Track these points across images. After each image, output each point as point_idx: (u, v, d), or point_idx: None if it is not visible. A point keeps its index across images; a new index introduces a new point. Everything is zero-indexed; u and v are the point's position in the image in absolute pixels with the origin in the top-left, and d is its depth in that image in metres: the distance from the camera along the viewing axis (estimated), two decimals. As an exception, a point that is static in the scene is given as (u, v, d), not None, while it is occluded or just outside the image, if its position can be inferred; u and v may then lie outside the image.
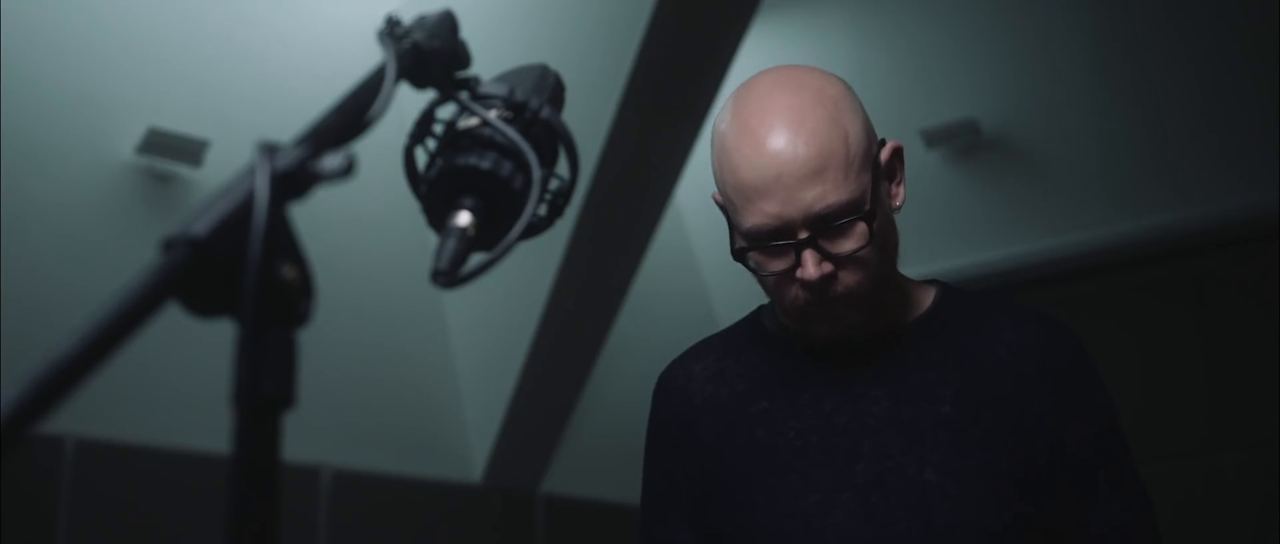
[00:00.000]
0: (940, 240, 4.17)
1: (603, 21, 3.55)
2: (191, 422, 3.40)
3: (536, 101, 1.11)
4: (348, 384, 3.75)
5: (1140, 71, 4.15)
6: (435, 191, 1.07)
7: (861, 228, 1.53)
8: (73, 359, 0.73)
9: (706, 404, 1.69)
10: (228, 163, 3.53)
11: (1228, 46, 4.01)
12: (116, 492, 3.32)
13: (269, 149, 0.84)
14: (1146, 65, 4.14)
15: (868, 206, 1.53)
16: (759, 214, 1.53)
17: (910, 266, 1.71)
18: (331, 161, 0.84)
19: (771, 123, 1.53)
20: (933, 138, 4.29)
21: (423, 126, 1.12)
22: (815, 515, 1.57)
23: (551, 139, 1.12)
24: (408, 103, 1.27)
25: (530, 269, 3.70)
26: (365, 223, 3.85)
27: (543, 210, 1.11)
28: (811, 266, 1.52)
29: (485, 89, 1.09)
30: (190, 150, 3.55)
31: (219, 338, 1.14)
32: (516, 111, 1.09)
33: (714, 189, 1.63)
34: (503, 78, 1.15)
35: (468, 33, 1.11)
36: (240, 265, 0.80)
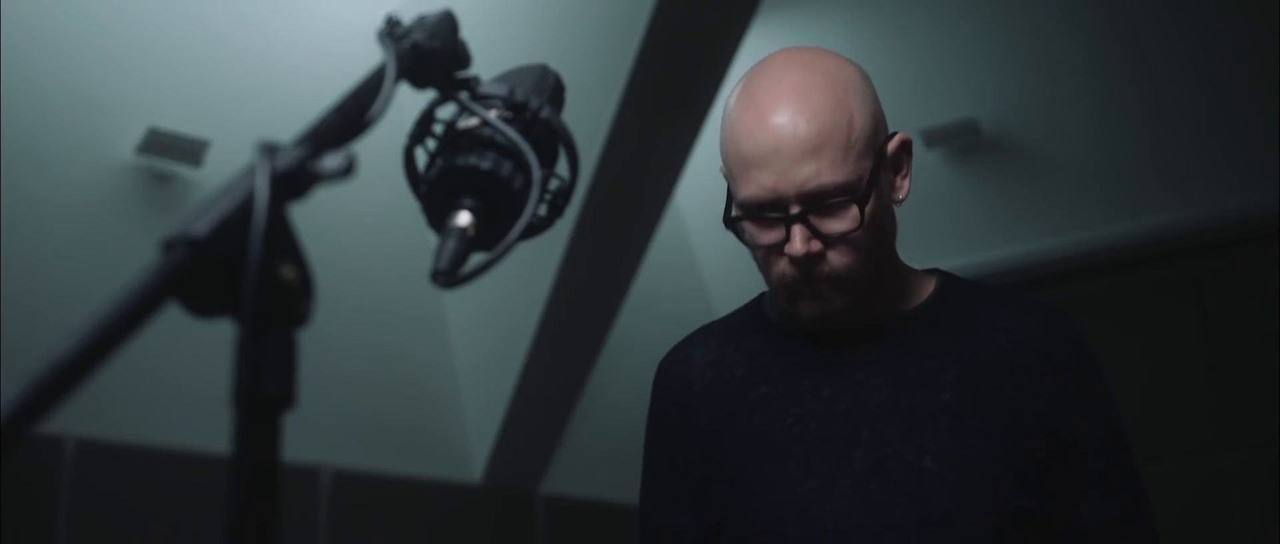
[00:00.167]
0: (940, 240, 4.17)
1: (603, 21, 3.55)
2: (191, 422, 3.40)
3: (536, 101, 1.11)
4: (348, 384, 3.75)
5: (1140, 71, 4.15)
6: (435, 191, 1.07)
7: (853, 211, 1.54)
8: (73, 359, 0.73)
9: (707, 390, 1.69)
10: (228, 163, 3.53)
11: (1228, 47, 4.01)
12: (116, 492, 3.32)
13: (269, 149, 0.84)
14: (1146, 65, 4.14)
15: (862, 191, 1.53)
16: (754, 185, 1.55)
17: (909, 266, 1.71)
18: (331, 161, 0.84)
19: (777, 98, 1.56)
20: (933, 138, 4.29)
21: (423, 126, 1.12)
22: (814, 502, 1.57)
23: (551, 139, 1.12)
24: (408, 103, 1.27)
25: (530, 269, 3.70)
26: (365, 223, 3.85)
27: (543, 210, 1.11)
28: (799, 242, 1.54)
29: (485, 89, 1.10)
30: (190, 150, 3.55)
31: (219, 338, 1.14)
32: (516, 111, 1.09)
33: (721, 164, 1.64)
34: (503, 78, 1.15)
35: (468, 33, 1.11)
36: (240, 265, 0.80)
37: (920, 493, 1.54)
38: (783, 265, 1.57)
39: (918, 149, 4.37)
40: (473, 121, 1.08)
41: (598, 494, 4.15)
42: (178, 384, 3.39)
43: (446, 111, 1.11)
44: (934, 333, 1.63)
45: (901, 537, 1.54)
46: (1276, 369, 3.89)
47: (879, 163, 1.57)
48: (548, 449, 4.06)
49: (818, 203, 1.53)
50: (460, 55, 1.09)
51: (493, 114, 1.08)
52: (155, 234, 0.99)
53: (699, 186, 4.36)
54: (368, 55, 1.20)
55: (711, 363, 1.71)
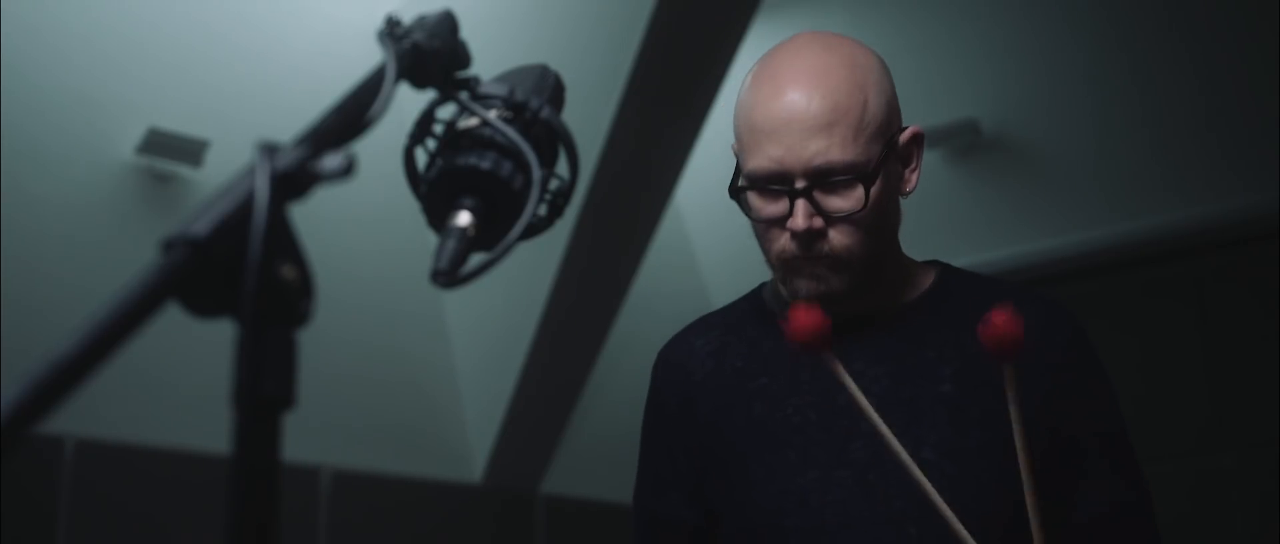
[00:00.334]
0: (940, 240, 4.16)
1: (603, 21, 3.55)
2: (191, 422, 3.40)
3: (536, 101, 1.11)
4: (348, 384, 3.75)
5: (1140, 71, 4.14)
6: (435, 191, 1.07)
7: (858, 191, 1.54)
8: (73, 359, 0.73)
9: (707, 380, 1.69)
10: (228, 163, 3.53)
11: (1228, 46, 4.01)
12: (116, 492, 3.32)
13: (269, 149, 0.84)
14: (1146, 65, 4.13)
15: (869, 172, 1.54)
16: (763, 156, 1.56)
17: (909, 266, 1.71)
18: (331, 161, 0.84)
19: (795, 73, 1.57)
20: (933, 138, 4.29)
21: (423, 126, 1.12)
22: (813, 493, 1.57)
23: (551, 139, 1.12)
24: (408, 103, 1.27)
25: (530, 269, 3.70)
26: (365, 223, 3.85)
27: (543, 210, 1.11)
28: (801, 217, 1.54)
29: (485, 89, 1.10)
30: (190, 150, 3.55)
31: (219, 338, 1.13)
32: (516, 111, 1.09)
33: (733, 141, 1.65)
34: (503, 78, 1.15)
35: (468, 33, 1.11)
36: (240, 265, 0.80)
37: (919, 484, 1.55)
38: (783, 240, 1.57)
39: (918, 149, 4.38)
40: (473, 121, 1.08)
41: (598, 494, 4.15)
42: (178, 384, 3.39)
43: (446, 111, 1.11)
44: (934, 324, 1.63)
45: (900, 528, 1.54)
46: (1276, 369, 3.89)
47: (889, 150, 1.58)
48: (548, 449, 4.06)
49: (824, 180, 1.54)
50: (460, 55, 1.09)
51: (493, 114, 1.08)
52: (155, 234, 0.99)
53: (699, 186, 4.36)
54: (368, 55, 1.20)
55: (712, 352, 1.71)
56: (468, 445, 4.00)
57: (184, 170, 3.59)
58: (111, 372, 0.79)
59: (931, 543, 1.54)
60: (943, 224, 4.19)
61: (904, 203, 1.67)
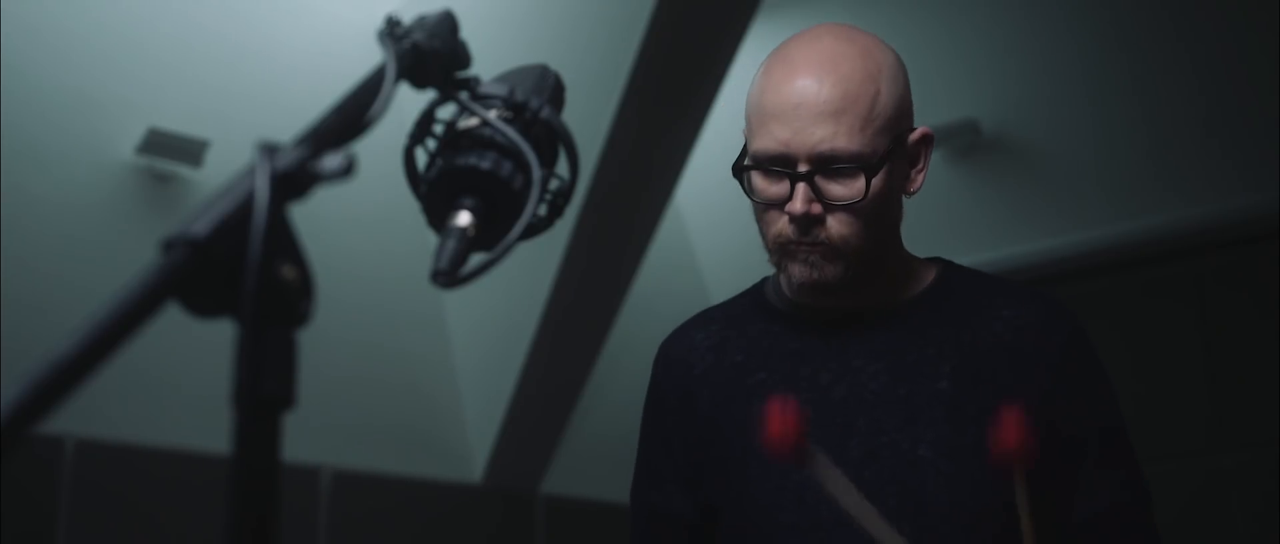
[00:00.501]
0: (940, 240, 4.14)
1: (603, 21, 3.55)
2: (191, 422, 3.40)
3: (536, 102, 1.11)
4: (348, 384, 3.75)
5: (1140, 71, 4.14)
6: (435, 192, 1.07)
7: (860, 181, 1.55)
8: (73, 359, 0.73)
9: (706, 374, 1.69)
10: (228, 163, 3.53)
11: (1228, 46, 4.01)
12: (116, 492, 3.32)
13: (269, 149, 0.84)
14: (1146, 65, 4.13)
15: (873, 163, 1.54)
16: (769, 137, 1.56)
17: (910, 266, 1.71)
18: (331, 162, 0.84)
19: (809, 58, 1.58)
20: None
21: (423, 127, 1.12)
22: (809, 489, 1.57)
23: (551, 139, 1.12)
24: (408, 103, 1.27)
25: (530, 269, 3.70)
26: (365, 223, 3.84)
27: (543, 210, 1.11)
28: (800, 201, 1.55)
29: (485, 89, 1.10)
30: (190, 150, 3.55)
31: (219, 338, 1.13)
32: (516, 112, 1.09)
33: (743, 125, 1.65)
34: (503, 78, 1.15)
35: (468, 33, 1.11)
36: (240, 265, 0.80)
37: (914, 482, 1.55)
38: (781, 223, 1.58)
39: (918, 149, 4.38)
40: (473, 121, 1.08)
41: (598, 494, 4.15)
42: (178, 384, 3.39)
43: (446, 111, 1.11)
44: (934, 320, 1.63)
45: (895, 526, 1.54)
46: (1276, 369, 3.89)
47: (897, 146, 1.58)
48: (548, 449, 4.06)
49: (826, 166, 1.54)
50: (460, 55, 1.09)
51: (493, 114, 1.08)
52: (155, 234, 0.99)
53: (699, 186, 4.36)
54: (368, 55, 1.20)
55: (712, 347, 1.71)
56: (468, 445, 4.00)
57: (184, 170, 3.58)
58: (111, 372, 0.79)
59: (927, 540, 1.54)
60: (943, 224, 4.18)
61: (905, 203, 1.67)
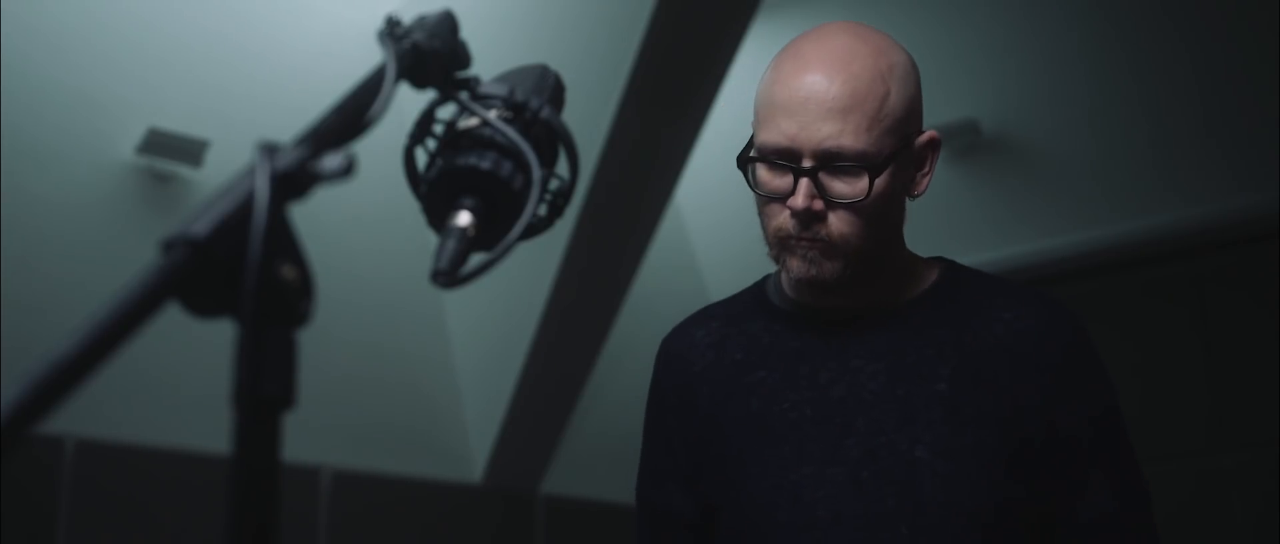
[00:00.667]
0: (940, 240, 4.14)
1: (603, 21, 3.55)
2: (191, 422, 3.40)
3: (536, 101, 1.11)
4: (348, 384, 3.75)
5: (1140, 71, 4.14)
6: (435, 191, 1.07)
7: (863, 180, 1.55)
8: (73, 359, 0.73)
9: (706, 372, 1.69)
10: (228, 163, 3.53)
11: (1228, 46, 4.01)
12: (116, 492, 3.32)
13: (269, 149, 0.84)
14: (1146, 65, 4.13)
15: (877, 163, 1.54)
16: (775, 130, 1.56)
17: (910, 266, 1.70)
18: (331, 162, 0.84)
19: (821, 54, 1.58)
20: (933, 138, 4.29)
21: (423, 127, 1.12)
22: (806, 488, 1.57)
23: (551, 139, 1.12)
24: (408, 103, 1.27)
25: (530, 269, 3.70)
26: (365, 223, 3.85)
27: (543, 210, 1.11)
28: (802, 196, 1.55)
29: (485, 89, 1.10)
30: (190, 150, 3.55)
31: (219, 338, 1.14)
32: (516, 112, 1.09)
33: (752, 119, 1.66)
34: (503, 78, 1.15)
35: (468, 33, 1.11)
36: (240, 265, 0.80)
37: (911, 483, 1.55)
38: (782, 217, 1.58)
39: (918, 149, 4.37)
40: (473, 121, 1.08)
41: (598, 494, 4.15)
42: (178, 384, 3.39)
43: (446, 111, 1.11)
44: (934, 321, 1.63)
45: (891, 526, 1.54)
46: (1276, 369, 3.89)
47: (903, 148, 1.58)
48: (548, 449, 4.06)
49: (831, 163, 1.54)
50: (460, 55, 1.09)
51: (493, 114, 1.08)
52: (155, 234, 0.99)
53: (699, 186, 4.36)
54: (368, 55, 1.20)
55: (713, 344, 1.71)
56: (468, 445, 4.00)
57: (184, 170, 3.58)
58: (111, 372, 0.79)
59: (923, 541, 1.54)
60: (943, 224, 4.19)
61: (907, 204, 1.67)
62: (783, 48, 1.64)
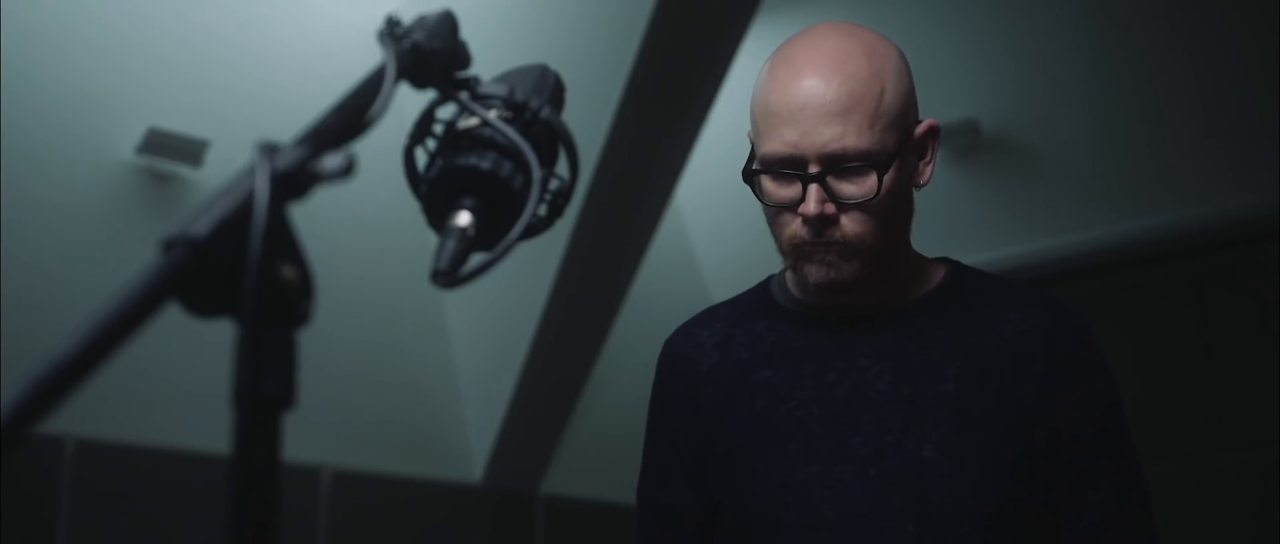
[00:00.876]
0: (940, 240, 4.14)
1: (603, 21, 3.55)
2: (191, 422, 3.40)
3: (536, 102, 1.11)
4: (348, 384, 3.75)
5: (1140, 72, 4.14)
6: (435, 191, 1.07)
7: (872, 178, 1.55)
8: (73, 359, 0.73)
9: (711, 371, 1.69)
10: (228, 163, 3.53)
11: (1227, 46, 4.01)
12: (116, 492, 3.32)
13: (269, 149, 0.84)
14: (1146, 65, 4.14)
15: (883, 160, 1.55)
16: (778, 140, 1.56)
17: (910, 266, 1.70)
18: (331, 162, 0.84)
19: (813, 59, 1.58)
20: (933, 138, 4.29)
21: (423, 127, 1.12)
22: (812, 487, 1.57)
23: (551, 139, 1.12)
24: (408, 103, 1.27)
25: (530, 269, 3.70)
26: (365, 223, 3.85)
27: (543, 210, 1.11)
28: (813, 202, 1.55)
29: (485, 89, 1.10)
30: (190, 150, 3.55)
31: (219, 338, 1.14)
32: (516, 112, 1.09)
33: (749, 128, 1.65)
34: (503, 78, 1.15)
35: (468, 33, 1.11)
36: (240, 265, 0.80)
37: (918, 482, 1.55)
38: (795, 226, 1.58)
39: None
40: (473, 121, 1.08)
41: (598, 494, 4.15)
42: (178, 384, 3.39)
43: (446, 111, 1.11)
44: (940, 321, 1.63)
45: (898, 525, 1.55)
46: (1276, 369, 3.89)
47: (905, 141, 1.59)
48: (548, 449, 4.06)
49: (837, 166, 1.54)
50: (460, 55, 1.09)
51: (493, 114, 1.08)
52: (155, 234, 0.99)
53: (699, 186, 4.36)
54: (368, 55, 1.20)
55: (717, 344, 1.71)
56: (468, 445, 4.00)
57: (184, 170, 3.58)
58: (111, 372, 0.79)
59: (929, 540, 1.54)
60: (943, 224, 4.19)
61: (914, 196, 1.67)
62: (773, 54, 1.63)
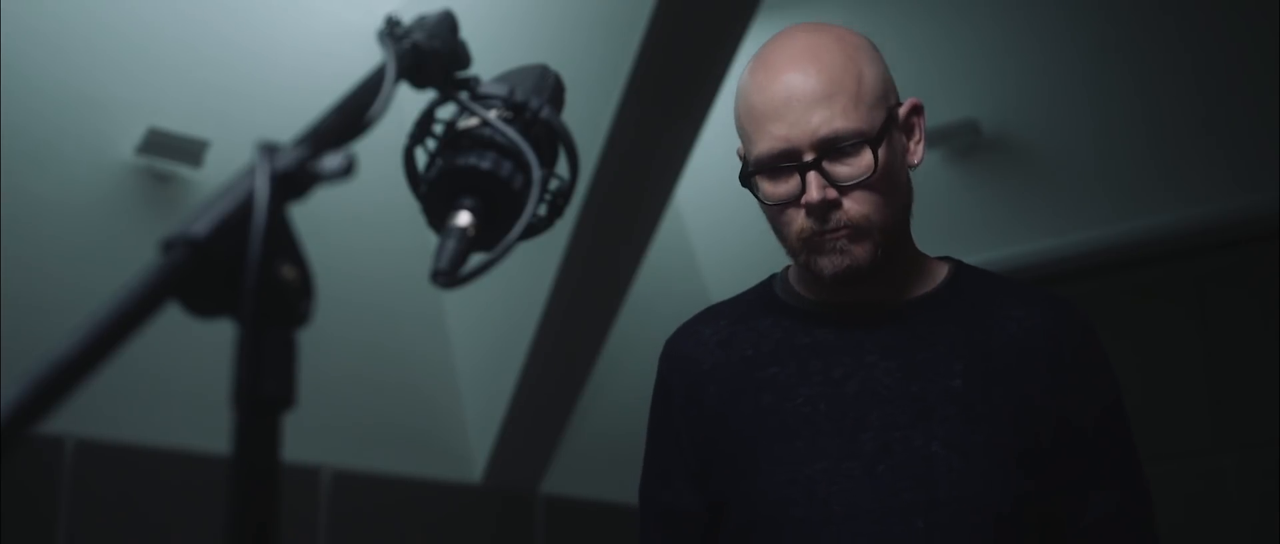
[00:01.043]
0: (940, 240, 4.14)
1: (603, 21, 3.55)
2: (191, 422, 3.40)
3: (536, 101, 1.11)
4: (348, 384, 3.75)
5: (1140, 72, 4.14)
6: (435, 192, 1.07)
7: (866, 156, 1.56)
8: (73, 359, 0.73)
9: (715, 369, 1.69)
10: (228, 163, 3.53)
11: (1228, 46, 4.01)
12: (116, 492, 3.32)
13: (269, 149, 0.84)
14: (1146, 65, 4.14)
15: (875, 135, 1.56)
16: (768, 138, 1.57)
17: (910, 266, 1.70)
18: (331, 162, 0.84)
19: (788, 56, 1.60)
20: (933, 138, 4.29)
21: (423, 127, 1.12)
22: (820, 483, 1.57)
23: (551, 139, 1.12)
24: (408, 103, 1.27)
25: (530, 269, 3.70)
26: (365, 223, 3.85)
27: (543, 210, 1.11)
28: (815, 189, 1.55)
29: (485, 89, 1.10)
30: (190, 150, 3.55)
31: (219, 338, 1.14)
32: (516, 112, 1.09)
33: (738, 146, 1.66)
34: (503, 78, 1.15)
35: (468, 33, 1.11)
36: (240, 265, 0.80)
37: (927, 478, 1.55)
38: (800, 219, 1.58)
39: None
40: (473, 121, 1.08)
41: (598, 494, 4.15)
42: (178, 384, 3.39)
43: (446, 111, 1.11)
44: (946, 318, 1.64)
45: (907, 520, 1.55)
46: (1276, 369, 3.89)
47: (891, 119, 1.60)
48: (548, 449, 4.06)
49: (831, 148, 1.55)
50: (460, 55, 1.09)
51: (493, 114, 1.08)
52: (155, 234, 0.99)
53: (699, 186, 4.36)
54: (368, 55, 1.20)
55: (721, 342, 1.71)
56: (468, 445, 4.00)
57: (184, 170, 3.58)
58: (111, 372, 0.79)
59: (938, 536, 1.54)
60: (942, 224, 4.18)
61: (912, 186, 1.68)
62: (748, 64, 1.65)
